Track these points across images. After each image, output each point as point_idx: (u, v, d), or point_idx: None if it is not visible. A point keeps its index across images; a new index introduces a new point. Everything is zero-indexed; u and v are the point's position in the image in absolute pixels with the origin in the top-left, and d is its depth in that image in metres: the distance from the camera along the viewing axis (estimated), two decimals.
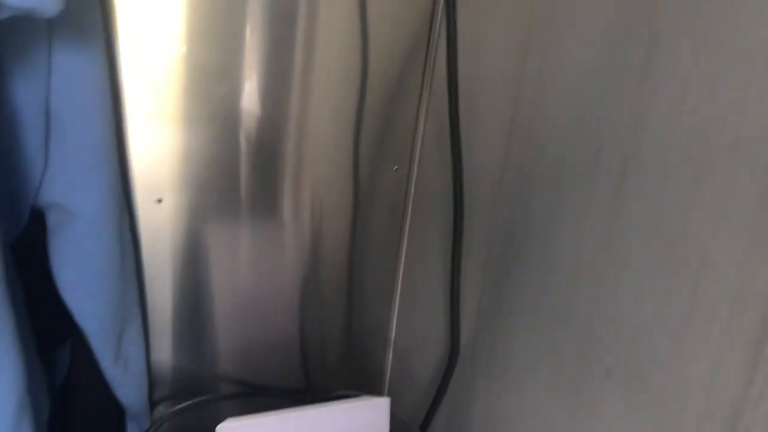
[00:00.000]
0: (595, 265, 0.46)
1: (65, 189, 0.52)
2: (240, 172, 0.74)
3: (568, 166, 0.49)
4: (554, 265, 0.49)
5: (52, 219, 0.53)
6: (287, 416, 0.60)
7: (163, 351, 0.79)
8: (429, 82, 0.74)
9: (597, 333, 0.45)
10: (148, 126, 0.66)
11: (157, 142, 0.67)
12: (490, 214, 0.58)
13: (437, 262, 0.68)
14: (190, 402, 0.77)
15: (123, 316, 0.60)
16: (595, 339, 0.45)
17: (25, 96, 0.48)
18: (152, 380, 0.75)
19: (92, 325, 0.57)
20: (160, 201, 0.69)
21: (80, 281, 0.54)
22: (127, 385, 0.66)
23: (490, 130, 0.59)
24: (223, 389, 0.85)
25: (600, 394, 0.45)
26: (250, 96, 0.71)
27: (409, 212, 0.76)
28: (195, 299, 0.80)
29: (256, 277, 0.83)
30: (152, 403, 0.77)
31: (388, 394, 0.71)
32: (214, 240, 0.79)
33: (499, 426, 0.56)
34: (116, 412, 0.72)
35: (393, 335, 0.82)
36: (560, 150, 0.50)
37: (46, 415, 0.59)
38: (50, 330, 0.61)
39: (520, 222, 0.54)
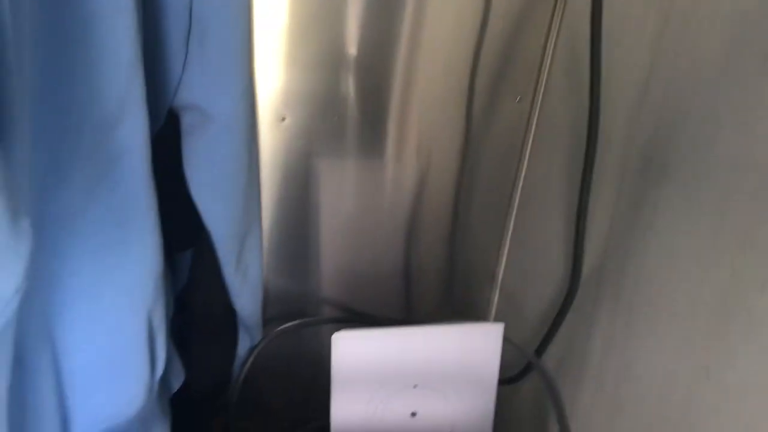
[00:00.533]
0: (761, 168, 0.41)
1: (204, 90, 0.53)
2: (347, 110, 0.75)
3: (731, 74, 0.45)
4: (708, 179, 0.46)
5: (188, 120, 0.54)
6: (401, 332, 0.60)
7: (270, 271, 0.82)
8: (561, 11, 0.71)
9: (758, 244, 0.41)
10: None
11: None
12: (627, 137, 0.55)
13: (559, 192, 0.65)
14: (298, 321, 0.79)
15: (247, 222, 0.62)
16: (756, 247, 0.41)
17: None
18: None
19: (219, 228, 0.58)
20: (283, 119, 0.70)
21: (212, 183, 0.55)
22: (244, 294, 0.67)
23: (632, 49, 0.55)
24: (325, 314, 0.86)
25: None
26: (360, 31, 0.71)
27: (530, 144, 0.73)
28: (303, 224, 0.82)
29: (363, 208, 0.83)
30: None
31: None
32: (325, 170, 0.80)
33: (621, 361, 0.54)
34: (230, 324, 0.75)
35: (501, 270, 0.80)
36: (723, 51, 0.46)
37: (170, 313, 0.61)
38: (175, 235, 0.63)
39: (664, 138, 0.50)
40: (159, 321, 0.49)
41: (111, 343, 0.44)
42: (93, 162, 0.41)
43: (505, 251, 0.80)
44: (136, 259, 0.44)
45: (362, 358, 0.60)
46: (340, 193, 0.82)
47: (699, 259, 0.44)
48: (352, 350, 0.59)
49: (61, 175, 0.40)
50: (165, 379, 0.59)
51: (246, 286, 0.68)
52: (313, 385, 0.89)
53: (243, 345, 0.76)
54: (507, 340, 0.62)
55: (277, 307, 0.84)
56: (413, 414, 0.63)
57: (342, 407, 0.61)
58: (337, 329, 0.85)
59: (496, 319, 0.85)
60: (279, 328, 0.77)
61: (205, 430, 0.80)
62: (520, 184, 0.76)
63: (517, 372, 0.69)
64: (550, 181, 0.68)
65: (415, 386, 0.62)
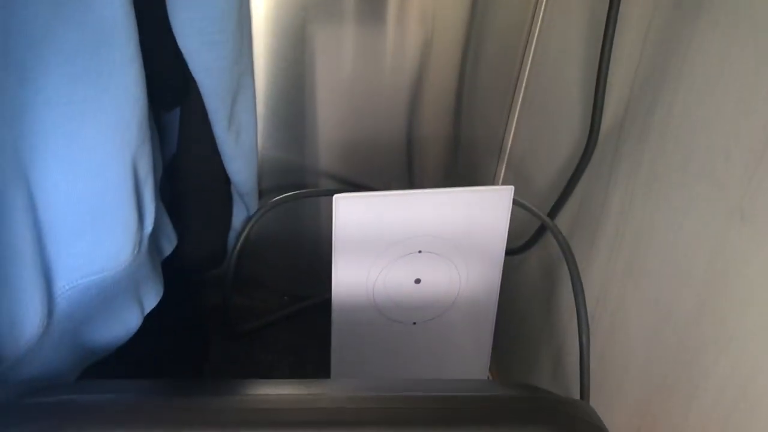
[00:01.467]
0: None
1: None
2: None
3: None
4: (749, 13, 0.41)
5: None
6: (406, 196, 0.56)
7: (265, 140, 0.77)
8: None
9: None
10: None
11: None
12: None
13: (577, 37, 0.60)
14: (296, 192, 0.75)
15: (239, 74, 0.57)
16: None
17: None
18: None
19: (208, 78, 0.54)
20: None
21: (198, 24, 0.50)
22: (238, 157, 0.63)
23: None
24: (323, 186, 0.83)
25: None
26: None
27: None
28: (299, 90, 0.77)
29: (363, 75, 0.78)
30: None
31: None
32: (322, 35, 0.74)
33: (642, 221, 0.50)
34: (224, 193, 0.71)
35: (511, 134, 0.76)
36: None
37: (159, 173, 0.57)
38: (161, 90, 0.58)
39: None
40: (145, 169, 0.45)
41: (92, 186, 0.40)
42: None
43: (516, 113, 0.75)
44: (116, 93, 0.40)
45: (365, 222, 0.56)
46: (338, 59, 0.76)
47: (736, 103, 0.40)
48: (355, 213, 0.56)
49: None
50: (155, 240, 0.56)
51: (239, 148, 0.63)
52: (312, 259, 0.87)
53: (238, 215, 0.73)
54: (517, 202, 0.59)
55: (273, 179, 0.80)
56: (417, 280, 0.60)
57: (344, 273, 0.58)
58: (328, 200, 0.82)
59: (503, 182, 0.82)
60: (276, 198, 0.73)
61: (198, 303, 0.78)
62: (536, 35, 0.70)
63: (528, 238, 0.67)
64: (567, 26, 0.63)
65: (419, 252, 0.59)
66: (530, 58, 0.71)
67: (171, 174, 0.65)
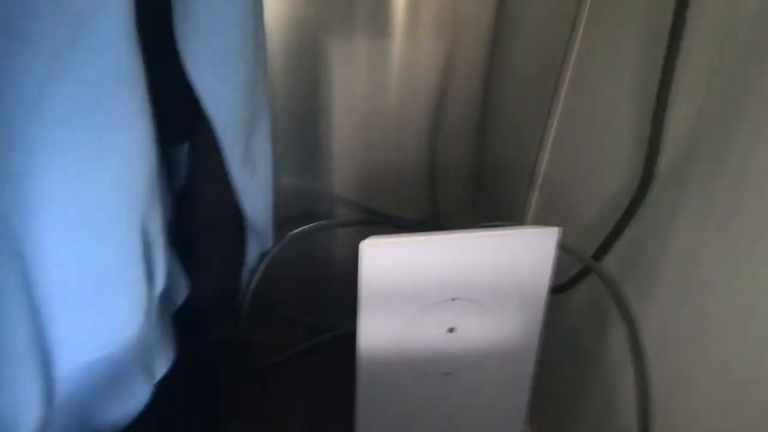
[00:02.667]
0: None
1: None
2: None
3: None
4: None
5: None
6: (438, 239, 0.51)
7: (278, 168, 0.72)
8: None
9: None
10: None
11: None
12: None
13: (623, 69, 0.55)
14: (314, 225, 0.70)
15: (254, 108, 0.51)
16: None
17: None
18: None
19: (222, 113, 0.48)
20: None
21: (210, 55, 0.44)
22: (253, 194, 0.58)
23: None
24: (340, 215, 0.77)
25: None
26: None
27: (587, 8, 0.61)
28: (313, 114, 0.72)
29: (380, 97, 0.72)
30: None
31: None
32: (335, 55, 0.69)
33: (712, 273, 0.45)
34: (237, 229, 0.66)
35: (544, 161, 0.70)
36: None
37: (169, 215, 0.52)
38: (169, 125, 0.53)
39: None
40: (156, 228, 0.40)
41: (94, 254, 0.35)
42: (56, 20, 0.30)
43: (550, 137, 0.69)
44: (121, 149, 0.34)
45: (394, 268, 0.51)
46: (354, 78, 0.71)
47: None
48: (383, 259, 0.50)
49: (13, 37, 0.29)
50: (166, 295, 0.51)
51: (255, 184, 0.58)
52: (328, 290, 0.82)
53: (252, 251, 0.68)
54: (564, 246, 0.53)
55: (287, 208, 0.75)
56: (451, 329, 0.55)
57: (371, 322, 0.53)
58: (356, 232, 0.77)
59: (534, 222, 0.76)
60: (293, 232, 0.68)
61: (212, 346, 0.73)
62: (575, 49, 0.64)
63: (569, 278, 0.61)
64: (614, 40, 0.57)
65: (453, 299, 0.54)
66: (568, 77, 0.65)
67: (180, 209, 0.59)
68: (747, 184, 0.41)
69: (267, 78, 0.54)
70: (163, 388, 0.49)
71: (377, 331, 0.54)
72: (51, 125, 0.31)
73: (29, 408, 0.34)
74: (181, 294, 0.53)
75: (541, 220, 0.73)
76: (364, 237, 0.76)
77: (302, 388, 0.74)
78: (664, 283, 0.49)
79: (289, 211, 0.75)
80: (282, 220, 0.74)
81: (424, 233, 0.51)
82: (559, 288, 0.62)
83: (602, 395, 0.59)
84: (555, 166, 0.70)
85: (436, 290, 0.53)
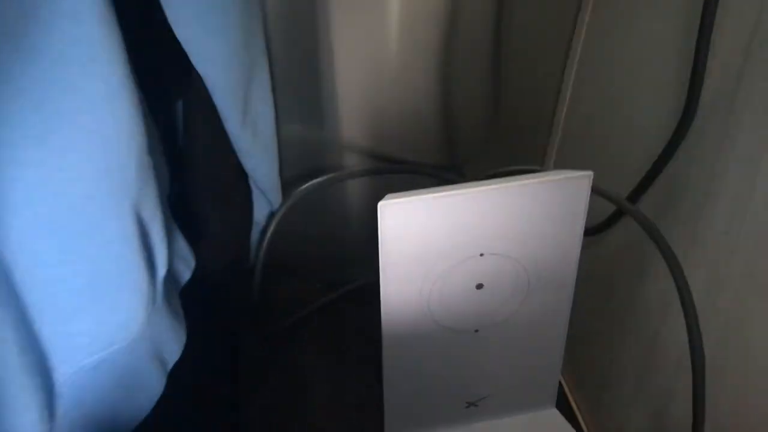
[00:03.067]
0: None
1: None
2: None
3: None
4: None
5: None
6: (462, 193, 0.47)
7: (284, 123, 0.67)
8: None
9: None
10: None
11: None
12: None
13: None
14: (325, 177, 0.66)
15: (250, 64, 0.47)
16: None
17: None
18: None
19: (214, 70, 0.43)
20: None
21: (196, 7, 0.39)
22: (256, 153, 0.54)
23: None
24: (348, 165, 0.72)
25: None
26: None
27: None
28: (315, 62, 0.66)
29: (388, 38, 0.66)
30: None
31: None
32: None
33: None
34: (242, 189, 0.62)
35: (567, 99, 0.65)
36: None
37: (167, 187, 0.48)
38: (157, 83, 0.48)
39: None
40: (151, 209, 0.36)
41: (86, 251, 0.31)
42: None
43: (574, 68, 0.64)
44: (105, 131, 0.30)
45: (415, 227, 0.47)
46: (357, 17, 0.65)
47: None
48: (403, 218, 0.46)
49: None
50: (170, 275, 0.47)
51: (257, 143, 0.54)
52: (346, 243, 0.78)
53: (260, 210, 0.64)
54: (597, 190, 0.49)
55: (293, 161, 0.70)
56: (479, 285, 0.52)
57: (394, 284, 0.50)
58: (369, 181, 0.72)
59: (558, 165, 0.72)
60: (302, 188, 0.64)
61: (227, 312, 0.70)
62: None
63: (602, 221, 0.57)
64: None
65: (481, 255, 0.50)
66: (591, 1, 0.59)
67: (179, 172, 0.55)
68: None
69: (262, 28, 0.49)
70: (178, 369, 0.47)
71: (401, 292, 0.50)
72: (22, 113, 0.27)
73: (29, 419, 0.31)
74: (188, 269, 0.49)
75: (563, 163, 0.68)
76: (377, 186, 0.72)
77: (325, 345, 0.72)
78: (711, 229, 0.45)
79: (297, 164, 0.70)
80: (289, 176, 0.70)
81: (445, 188, 0.47)
82: (591, 231, 0.58)
83: (641, 350, 0.56)
84: (578, 104, 0.64)
85: (462, 247, 0.49)
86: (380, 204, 0.45)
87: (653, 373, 0.54)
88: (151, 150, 0.36)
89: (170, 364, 0.43)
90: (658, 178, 0.50)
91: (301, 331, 0.73)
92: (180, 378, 0.46)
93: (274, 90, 0.58)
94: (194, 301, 0.51)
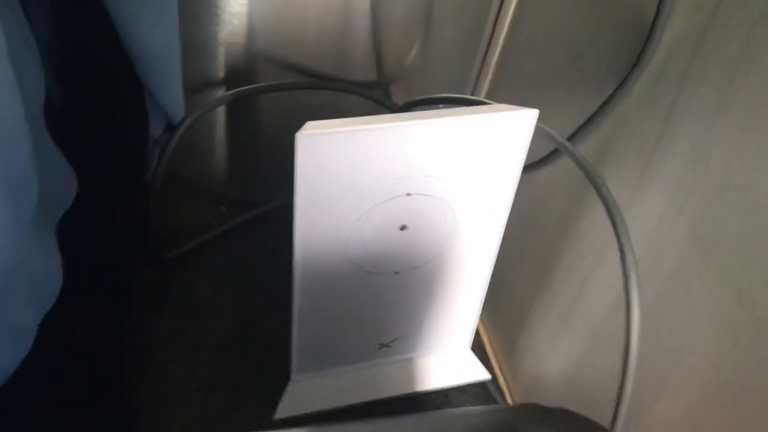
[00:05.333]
0: None
1: None
2: None
3: None
4: None
5: None
6: (391, 129, 0.41)
7: (188, 22, 0.57)
8: None
9: None
10: None
11: None
12: None
13: None
14: (234, 91, 0.58)
15: None
16: None
17: None
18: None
19: None
20: None
21: None
22: (153, 58, 0.45)
23: None
24: (262, 78, 0.64)
25: None
26: None
27: None
28: None
29: None
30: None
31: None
32: None
33: (725, 187, 0.37)
34: (135, 99, 0.53)
35: (507, 23, 0.59)
36: None
37: (42, 96, 0.39)
38: None
39: None
40: (11, 128, 0.28)
41: None
42: None
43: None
44: None
45: (337, 162, 0.41)
46: None
47: None
48: (324, 151, 0.40)
49: None
50: (45, 196, 0.39)
51: (154, 44, 0.45)
52: (253, 160, 0.71)
53: (157, 125, 0.56)
54: (540, 129, 0.44)
55: (197, 65, 0.61)
56: (403, 227, 0.47)
57: (308, 223, 0.44)
58: (285, 97, 0.64)
59: (490, 92, 0.66)
60: (209, 103, 0.56)
61: (117, 234, 0.62)
62: None
63: (539, 159, 0.53)
64: None
65: (408, 195, 0.45)
66: None
67: (61, 81, 0.46)
68: None
69: None
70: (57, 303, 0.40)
71: (317, 231, 0.45)
72: None
73: None
74: (69, 195, 0.42)
75: (498, 91, 0.63)
76: (295, 102, 0.65)
77: (229, 276, 0.66)
78: (659, 183, 0.42)
79: (204, 70, 0.61)
80: (195, 82, 0.61)
81: (371, 118, 0.41)
82: (525, 168, 0.54)
83: (567, 297, 0.53)
84: (519, 29, 0.59)
85: (387, 186, 0.44)
86: (298, 134, 0.39)
87: (577, 320, 0.52)
88: (14, 53, 0.28)
89: (43, 311, 0.36)
90: (606, 119, 0.46)
91: (203, 259, 0.67)
92: (60, 315, 0.40)
93: None
94: (78, 228, 0.44)
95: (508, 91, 0.65)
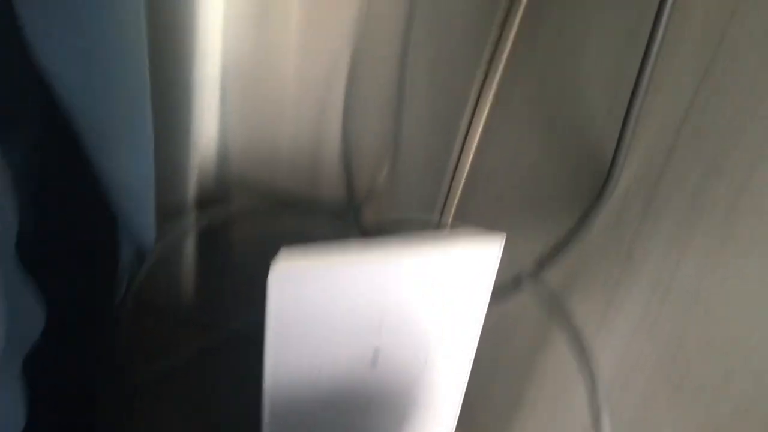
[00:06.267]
0: None
1: None
2: None
3: None
4: None
5: None
6: (366, 264, 0.42)
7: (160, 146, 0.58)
8: None
9: None
10: None
11: None
12: None
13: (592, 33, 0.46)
14: (205, 215, 0.59)
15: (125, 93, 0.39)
16: None
17: None
18: None
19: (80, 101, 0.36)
20: None
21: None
22: (125, 180, 0.46)
23: None
24: (231, 201, 0.64)
25: None
26: None
27: None
28: (187, 79, 0.58)
29: (278, 61, 0.60)
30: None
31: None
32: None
33: (690, 312, 0.38)
34: (105, 227, 0.53)
35: (472, 152, 0.62)
36: None
37: (13, 235, 0.39)
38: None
39: None
40: None
41: None
42: None
43: (479, 126, 0.61)
44: None
45: (310, 295, 0.41)
46: (258, 41, 0.58)
47: None
48: (297, 284, 0.40)
49: None
50: (12, 337, 0.38)
51: (131, 178, 0.46)
52: (226, 284, 0.71)
53: (126, 250, 0.56)
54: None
55: (169, 188, 0.61)
56: (374, 361, 0.46)
57: (280, 355, 0.43)
58: (253, 220, 0.65)
59: (457, 212, 0.68)
60: (176, 230, 0.56)
61: (85, 362, 0.60)
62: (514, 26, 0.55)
63: (505, 284, 0.53)
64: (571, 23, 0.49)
65: (379, 327, 0.45)
66: (504, 56, 0.56)
67: (33, 211, 0.46)
68: (745, 207, 0.34)
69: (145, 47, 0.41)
70: None
71: (288, 362, 0.44)
72: None
73: None
74: (37, 329, 0.41)
75: (465, 211, 0.65)
76: (267, 223, 0.65)
77: (196, 402, 0.64)
78: (625, 309, 0.43)
79: (176, 195, 0.62)
80: (165, 207, 0.61)
81: (346, 247, 0.42)
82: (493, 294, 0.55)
83: (540, 420, 0.53)
84: (485, 155, 0.61)
85: (359, 319, 0.44)
86: (272, 266, 0.39)
87: None
88: None
89: None
90: (571, 248, 0.47)
91: (169, 384, 0.65)
92: None
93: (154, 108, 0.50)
94: (45, 360, 0.43)
95: (476, 211, 0.66)
